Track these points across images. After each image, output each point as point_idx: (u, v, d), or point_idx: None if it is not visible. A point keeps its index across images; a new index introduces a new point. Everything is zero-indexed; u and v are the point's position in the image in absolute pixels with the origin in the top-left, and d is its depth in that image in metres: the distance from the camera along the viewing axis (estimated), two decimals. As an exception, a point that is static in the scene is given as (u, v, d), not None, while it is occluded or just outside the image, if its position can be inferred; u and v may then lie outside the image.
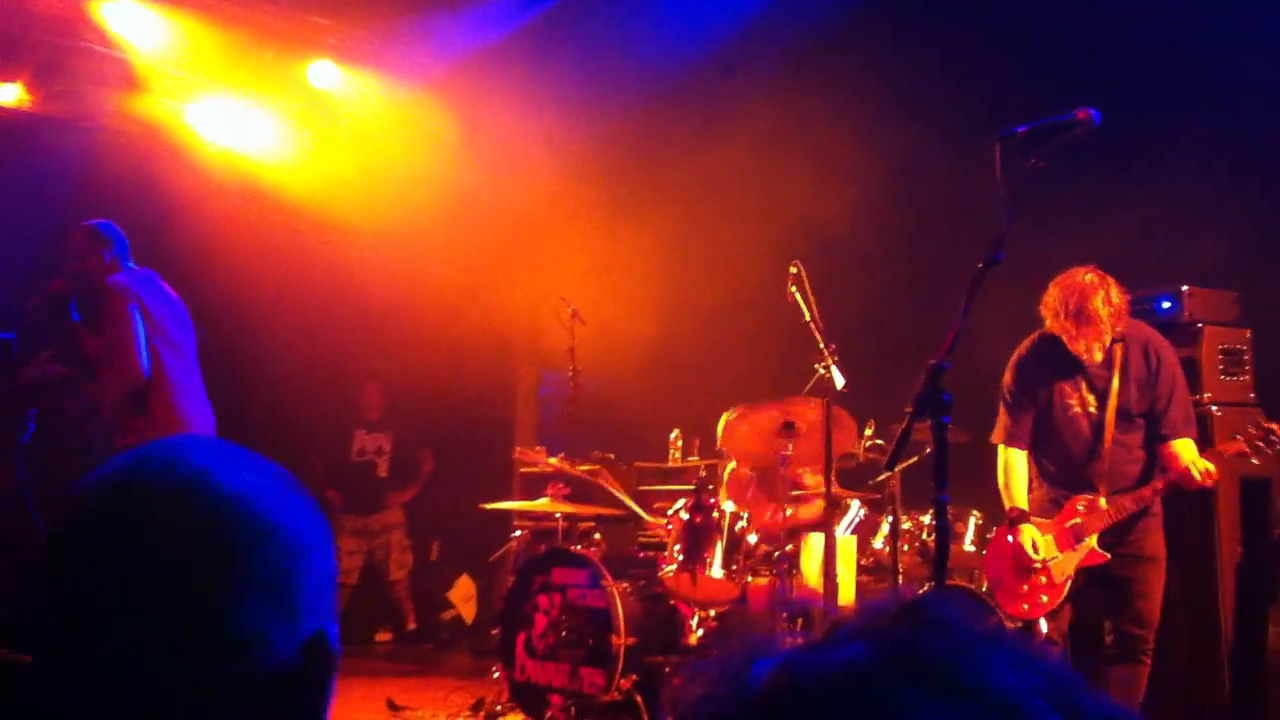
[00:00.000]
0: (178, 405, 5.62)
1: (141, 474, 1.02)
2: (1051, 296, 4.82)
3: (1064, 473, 4.99)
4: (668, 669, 5.69)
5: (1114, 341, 4.76)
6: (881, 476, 6.25)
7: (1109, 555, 4.77)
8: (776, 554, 5.88)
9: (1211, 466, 4.37)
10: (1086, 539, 4.81)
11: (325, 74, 8.64)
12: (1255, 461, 4.36)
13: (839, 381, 5.41)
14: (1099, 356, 4.76)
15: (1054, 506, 4.98)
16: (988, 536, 6.06)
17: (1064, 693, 0.65)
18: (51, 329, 5.68)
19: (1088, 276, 4.73)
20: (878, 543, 6.18)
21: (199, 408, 5.75)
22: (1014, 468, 5.09)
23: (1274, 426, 4.32)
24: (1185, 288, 4.83)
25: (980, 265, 3.36)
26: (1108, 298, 4.66)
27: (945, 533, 3.11)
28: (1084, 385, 4.90)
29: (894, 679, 0.64)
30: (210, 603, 0.97)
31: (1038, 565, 4.89)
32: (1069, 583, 4.84)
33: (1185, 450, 4.57)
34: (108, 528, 0.99)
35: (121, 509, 1.00)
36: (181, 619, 0.97)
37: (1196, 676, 4.68)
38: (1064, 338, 4.78)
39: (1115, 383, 4.76)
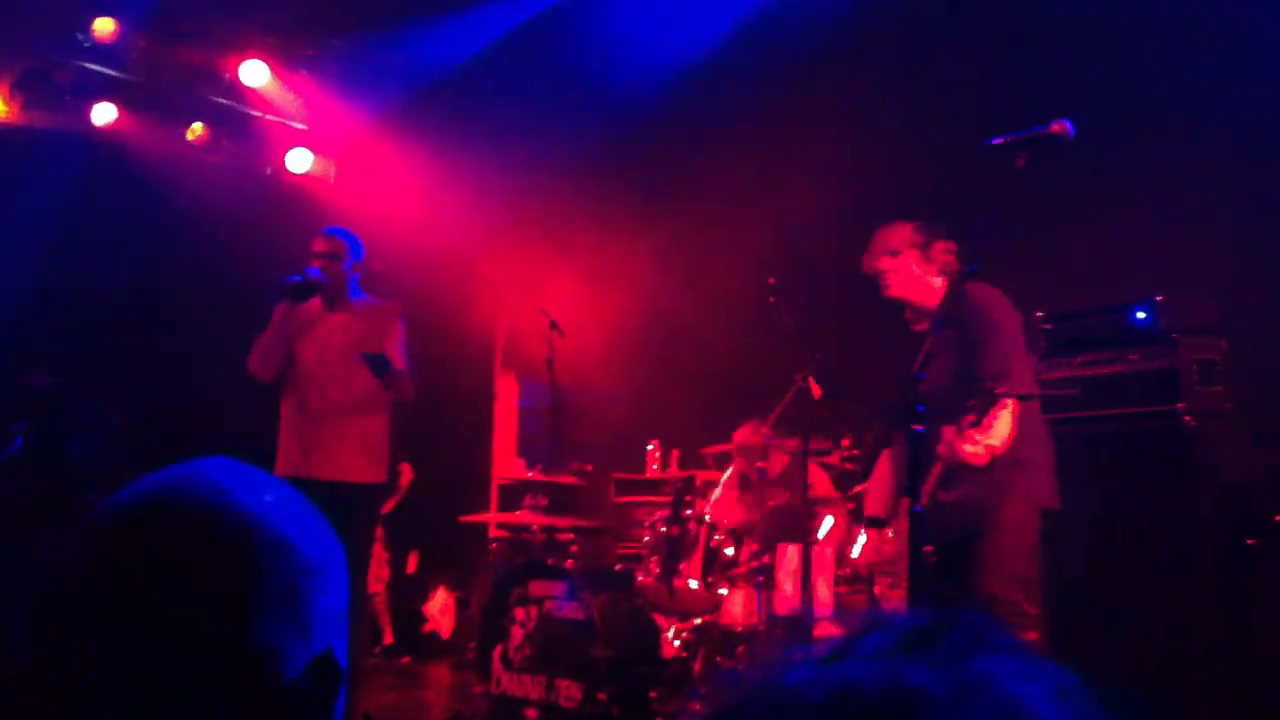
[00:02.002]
0: None
1: (167, 494, 1.06)
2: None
3: None
4: (652, 693, 5.67)
5: None
6: (858, 488, 6.26)
7: None
8: (754, 564, 5.88)
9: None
10: None
11: (256, 73, 8.64)
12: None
13: (819, 391, 5.43)
14: None
15: None
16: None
17: None
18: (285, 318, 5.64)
19: None
20: (855, 553, 6.17)
21: None
22: None
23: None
24: (1160, 298, 4.84)
25: (955, 276, 3.37)
26: None
27: (919, 543, 3.10)
28: None
29: (965, 709, 0.62)
30: (231, 616, 1.01)
31: None
32: None
33: None
34: (133, 544, 1.03)
35: (149, 526, 1.04)
36: (204, 631, 1.01)
37: (1176, 680, 4.68)
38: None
39: None
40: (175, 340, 8.25)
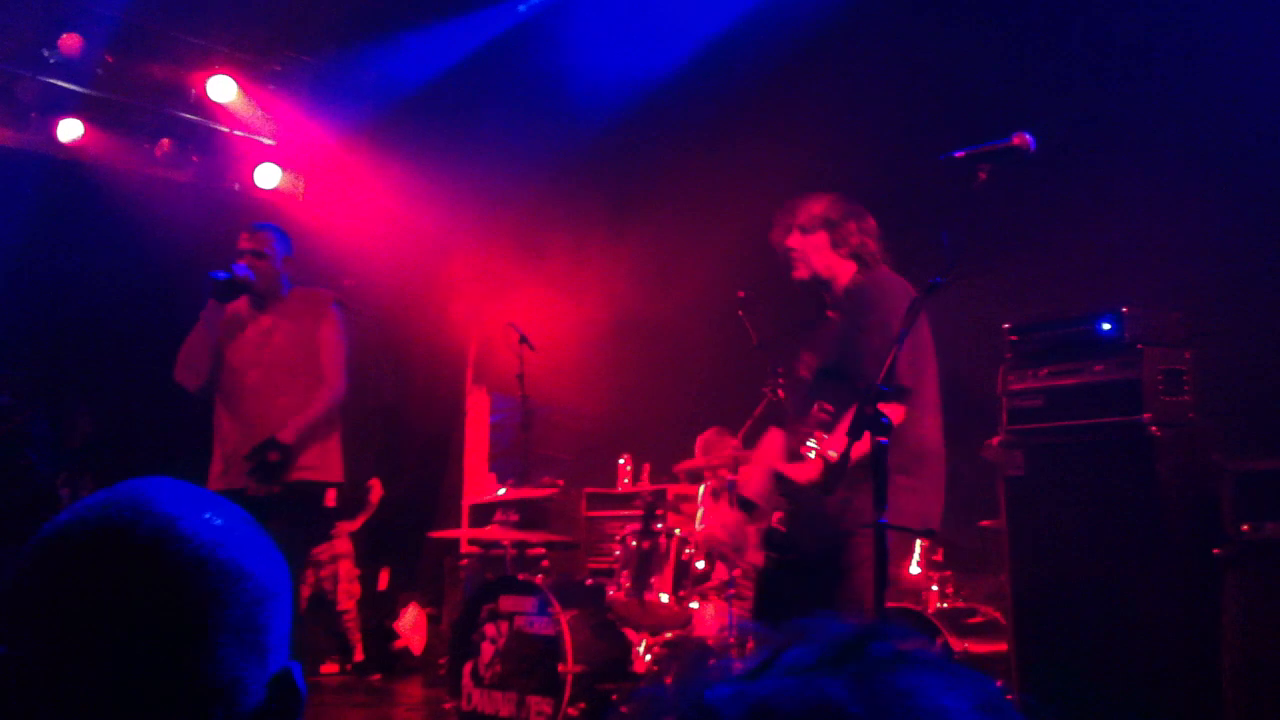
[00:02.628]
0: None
1: (112, 522, 0.99)
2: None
3: None
4: (615, 696, 5.65)
5: None
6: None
7: None
8: (726, 578, 5.87)
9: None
10: None
11: (224, 89, 8.61)
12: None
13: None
14: None
15: None
16: (934, 559, 6.08)
17: None
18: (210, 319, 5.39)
19: None
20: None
21: None
22: None
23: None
24: (1125, 308, 4.86)
25: (920, 291, 3.38)
26: None
27: (884, 556, 3.10)
28: None
29: None
30: (190, 652, 0.96)
31: None
32: None
33: None
34: (81, 579, 0.97)
35: (94, 559, 0.97)
36: (163, 670, 0.95)
37: (1142, 690, 4.69)
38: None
39: None
40: (141, 357, 8.19)
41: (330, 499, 5.35)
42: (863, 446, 3.49)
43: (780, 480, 3.92)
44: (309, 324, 5.44)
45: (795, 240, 4.28)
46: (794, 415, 4.28)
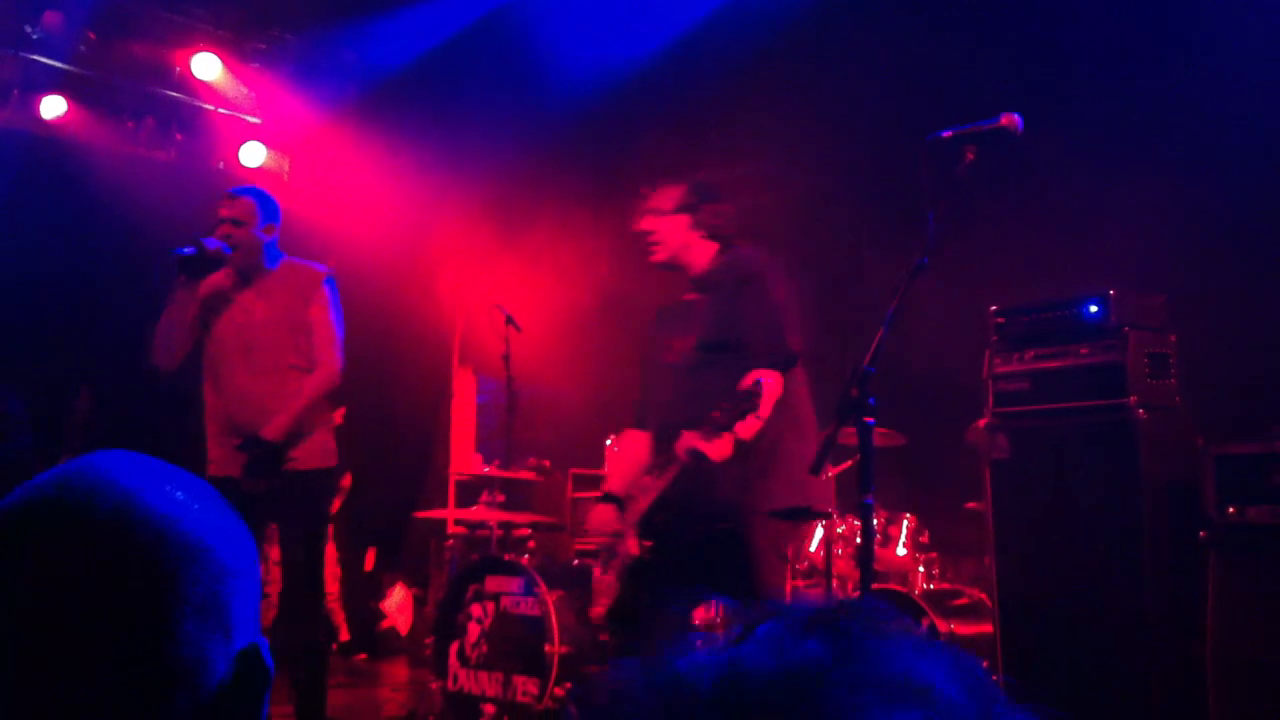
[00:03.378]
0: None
1: (69, 498, 0.96)
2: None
3: None
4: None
5: None
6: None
7: None
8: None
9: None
10: None
11: (208, 67, 8.55)
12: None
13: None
14: None
15: None
16: (921, 540, 6.10)
17: (989, 704, 0.65)
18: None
19: None
20: (812, 547, 6.19)
21: None
22: None
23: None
24: (1112, 291, 4.87)
25: (906, 271, 3.38)
26: None
27: (870, 536, 3.10)
28: None
29: (854, 679, 0.62)
30: (150, 631, 0.93)
31: None
32: None
33: None
34: (35, 556, 0.93)
35: (49, 536, 0.94)
36: (124, 648, 0.92)
37: (1126, 674, 4.71)
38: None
39: None
40: (130, 337, 8.15)
41: (342, 483, 5.22)
42: (750, 427, 3.67)
43: (694, 455, 3.89)
44: (296, 302, 5.05)
45: (652, 223, 4.31)
46: (671, 401, 4.21)
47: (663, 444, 4.21)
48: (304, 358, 5.05)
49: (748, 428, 3.83)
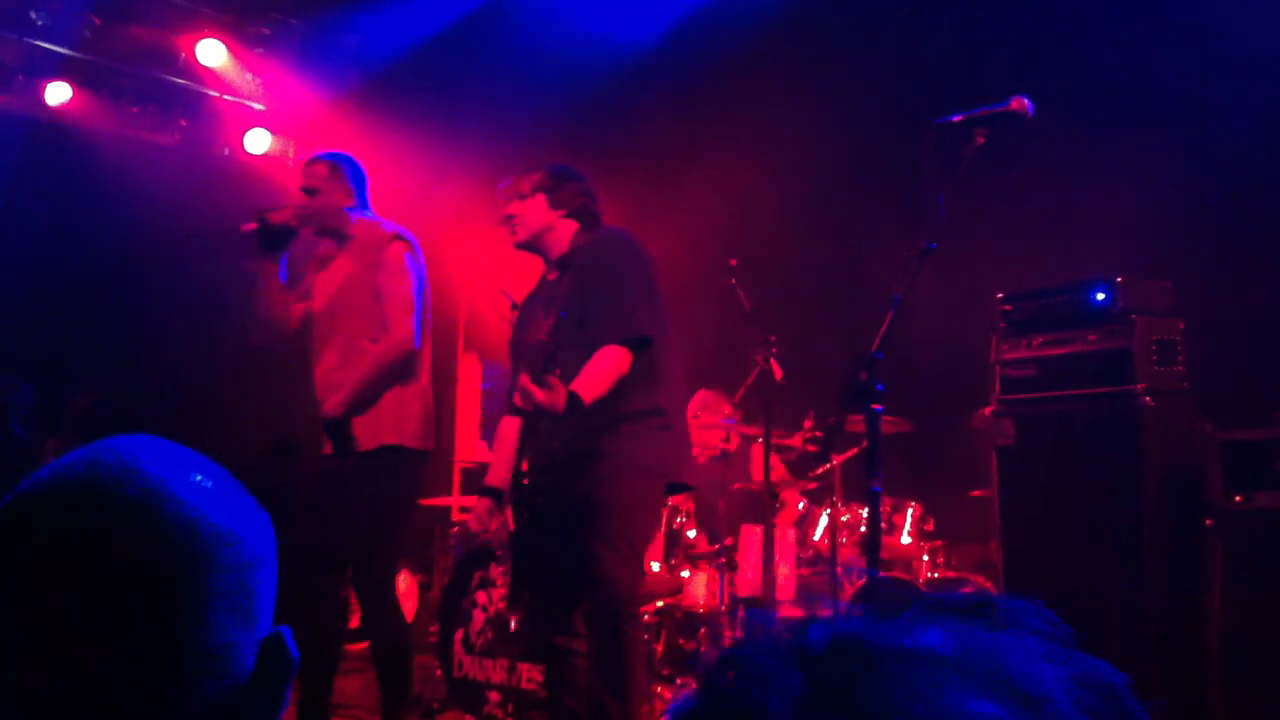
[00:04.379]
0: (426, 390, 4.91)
1: (99, 481, 0.95)
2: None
3: None
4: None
5: None
6: (821, 468, 6.26)
7: None
8: (716, 547, 5.88)
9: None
10: None
11: (213, 53, 8.53)
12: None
13: (780, 374, 5.43)
14: None
15: None
16: (925, 528, 6.08)
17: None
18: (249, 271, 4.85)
19: None
20: (817, 535, 6.18)
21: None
22: None
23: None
24: (1119, 278, 4.85)
25: (914, 255, 3.36)
26: None
27: (877, 523, 3.09)
28: None
29: (973, 679, 0.61)
30: (182, 617, 0.93)
31: None
32: None
33: None
34: (68, 538, 0.93)
35: (82, 519, 0.93)
36: (156, 635, 0.92)
37: (1128, 665, 4.71)
38: None
39: None
40: (135, 323, 8.16)
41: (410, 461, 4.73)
42: (589, 388, 3.84)
43: (524, 395, 3.90)
44: (367, 267, 4.78)
45: (514, 207, 4.35)
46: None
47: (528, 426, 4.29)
48: (378, 326, 4.75)
49: (585, 386, 3.92)
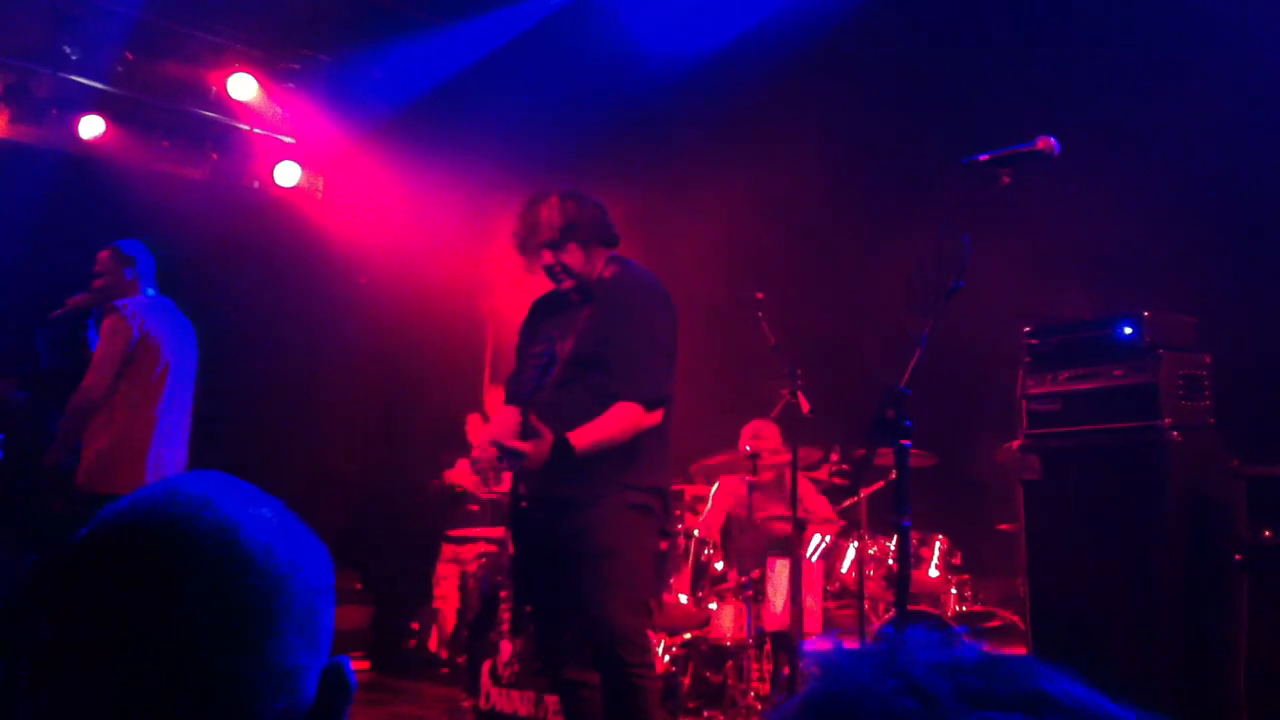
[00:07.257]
0: (146, 437, 5.60)
1: (180, 513, 1.02)
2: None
3: None
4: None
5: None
6: (848, 501, 6.26)
7: None
8: (744, 580, 5.88)
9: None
10: None
11: (244, 87, 8.63)
12: None
13: (807, 406, 5.44)
14: None
15: None
16: (953, 562, 6.07)
17: None
18: (66, 343, 5.65)
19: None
20: (844, 568, 6.18)
21: (171, 445, 5.70)
22: None
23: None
24: (1146, 313, 4.85)
25: (941, 293, 3.38)
26: None
27: (907, 558, 3.10)
28: None
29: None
30: (261, 633, 1.00)
31: None
32: None
33: None
34: (157, 563, 0.99)
35: (169, 545, 1.00)
36: (236, 658, 0.98)
37: (1156, 701, 4.68)
38: None
39: None
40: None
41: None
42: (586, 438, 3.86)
43: (511, 454, 3.90)
44: None
45: (550, 259, 4.26)
46: (525, 393, 4.14)
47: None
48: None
49: (582, 437, 3.92)
